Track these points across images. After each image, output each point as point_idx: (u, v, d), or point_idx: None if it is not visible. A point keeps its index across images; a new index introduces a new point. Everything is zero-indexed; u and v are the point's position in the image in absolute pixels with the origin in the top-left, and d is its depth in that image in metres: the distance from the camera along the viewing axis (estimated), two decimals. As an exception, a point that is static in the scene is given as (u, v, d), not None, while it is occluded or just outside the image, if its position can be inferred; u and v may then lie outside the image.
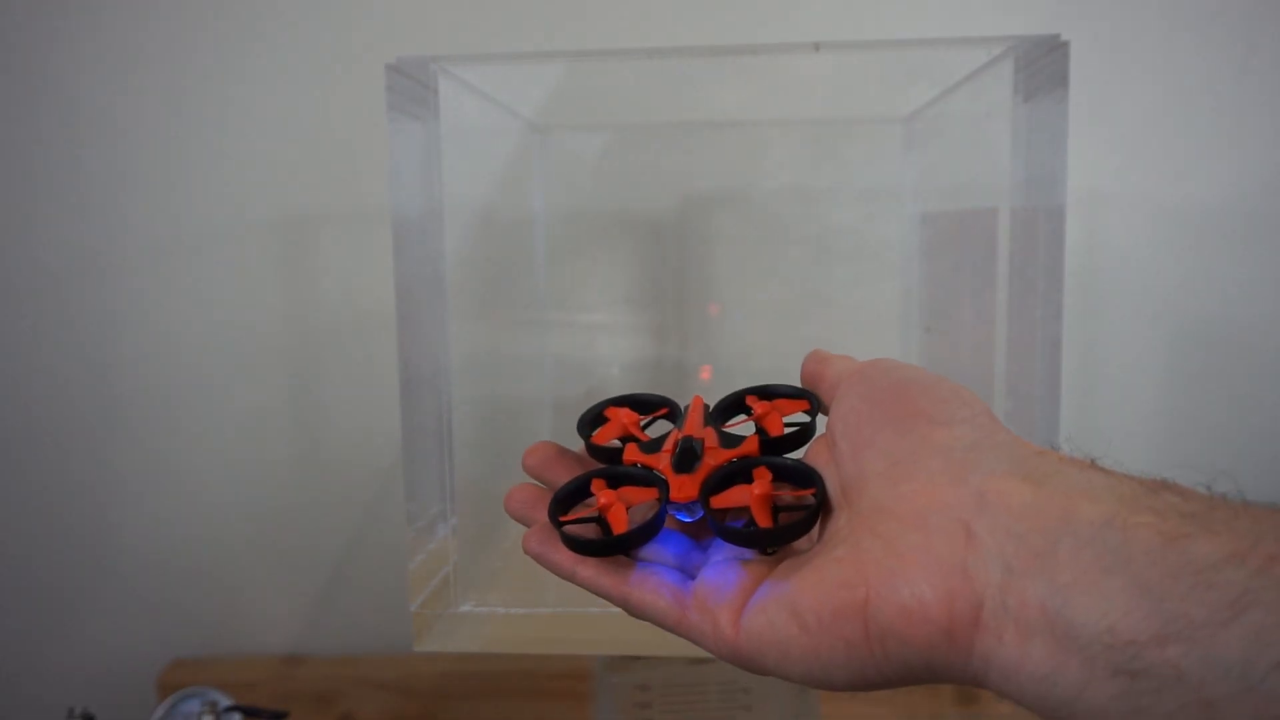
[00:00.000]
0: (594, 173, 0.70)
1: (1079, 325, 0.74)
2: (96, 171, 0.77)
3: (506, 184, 0.67)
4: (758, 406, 0.36)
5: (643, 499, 0.34)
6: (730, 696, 0.55)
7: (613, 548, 0.32)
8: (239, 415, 0.79)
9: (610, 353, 0.72)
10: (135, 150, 0.76)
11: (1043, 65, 0.43)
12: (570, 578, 0.33)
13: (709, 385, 0.70)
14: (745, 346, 0.70)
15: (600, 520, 0.33)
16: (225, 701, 0.63)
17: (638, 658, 0.54)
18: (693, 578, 0.31)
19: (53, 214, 0.77)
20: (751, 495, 0.31)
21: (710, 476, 0.33)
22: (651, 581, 0.31)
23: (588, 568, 0.32)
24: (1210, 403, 0.75)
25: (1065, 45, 0.42)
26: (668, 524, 0.34)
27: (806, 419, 0.35)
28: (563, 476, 0.36)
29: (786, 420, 0.35)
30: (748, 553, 0.32)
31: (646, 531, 0.32)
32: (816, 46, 0.47)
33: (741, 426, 0.36)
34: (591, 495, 0.34)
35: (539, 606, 0.49)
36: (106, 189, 0.77)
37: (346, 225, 0.76)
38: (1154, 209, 0.73)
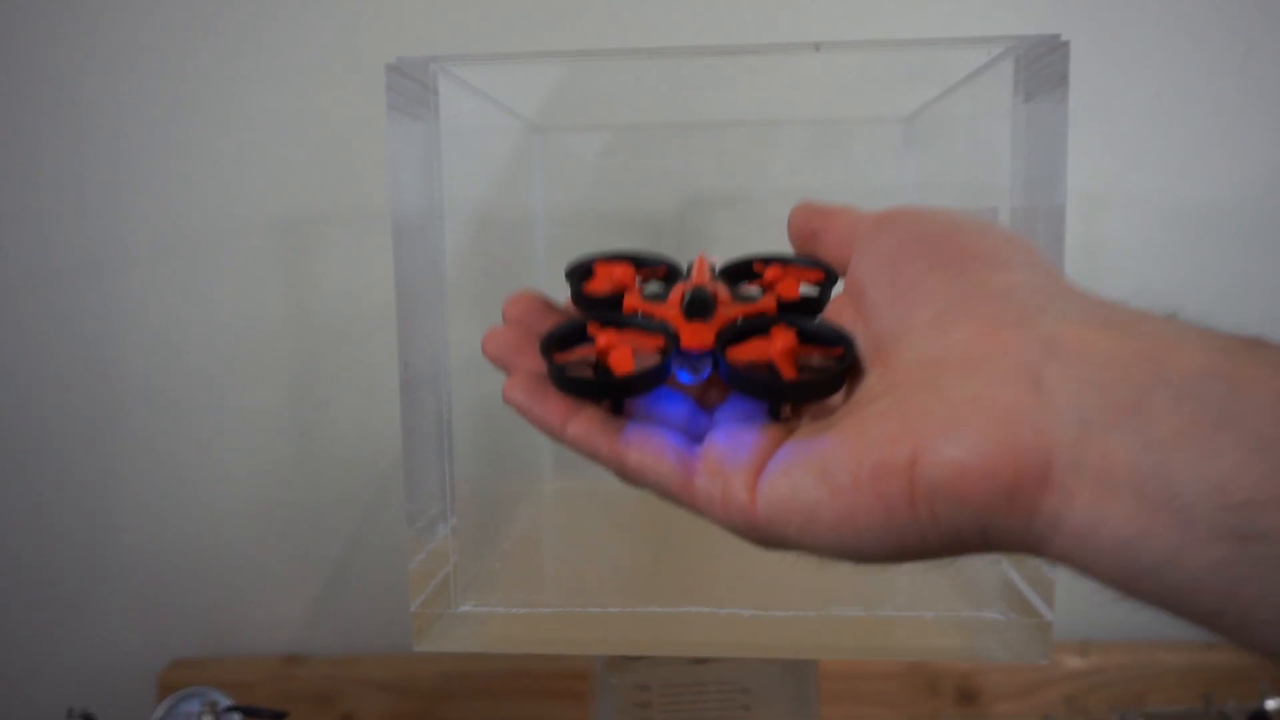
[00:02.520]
0: (594, 173, 0.70)
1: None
2: (96, 171, 0.77)
3: (506, 184, 0.67)
4: (768, 271, 0.32)
5: (648, 346, 0.29)
6: (730, 696, 0.55)
7: (614, 389, 0.28)
8: (239, 415, 0.79)
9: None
10: (135, 150, 0.76)
11: (1043, 65, 0.43)
12: (559, 433, 0.28)
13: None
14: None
15: (599, 366, 0.29)
16: (225, 701, 0.63)
17: (638, 658, 0.54)
18: (699, 442, 0.28)
19: (53, 214, 0.77)
20: (774, 348, 0.28)
21: (725, 328, 0.29)
22: (653, 441, 0.27)
23: (580, 423, 0.28)
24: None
25: (1065, 45, 0.42)
26: (667, 385, 0.29)
27: (819, 289, 0.31)
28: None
29: (801, 289, 0.31)
30: (760, 418, 0.28)
31: (654, 375, 0.28)
32: (817, 46, 0.47)
33: (751, 290, 0.32)
34: (588, 340, 0.30)
35: (539, 606, 0.49)
36: (106, 189, 0.77)
37: (346, 225, 0.76)
38: (1154, 208, 0.73)
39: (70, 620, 0.82)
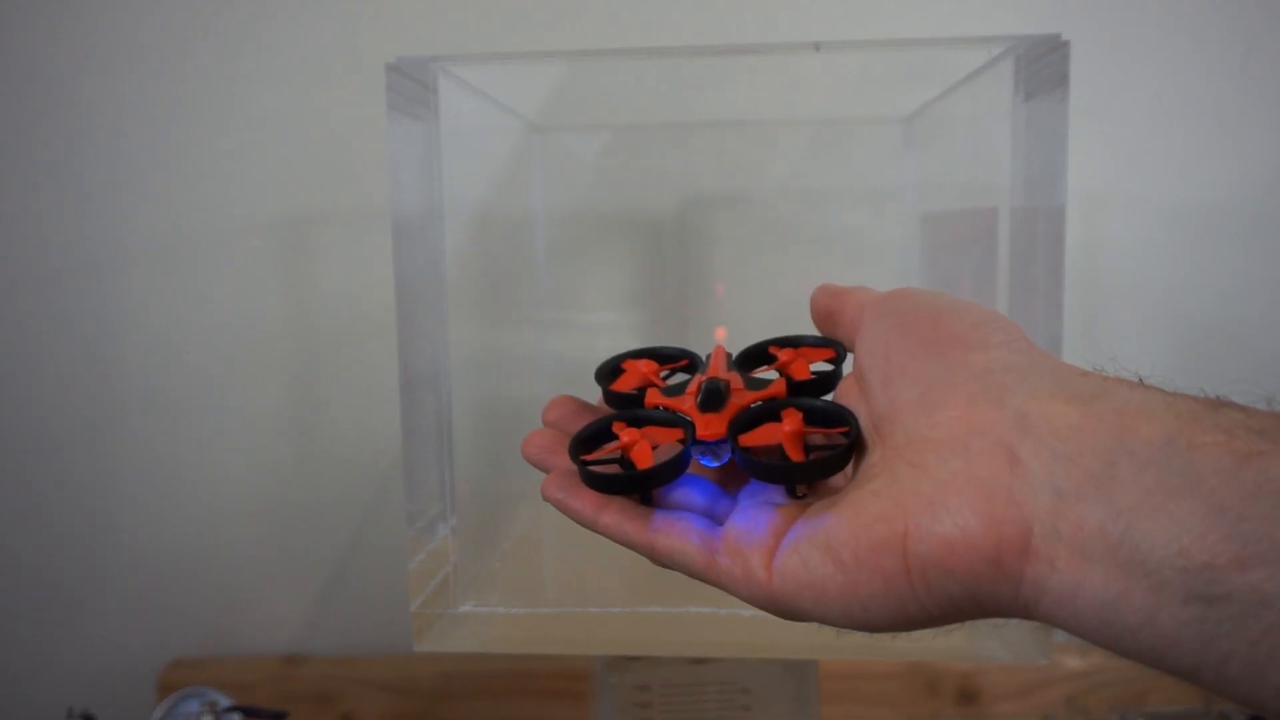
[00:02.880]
0: (594, 173, 0.70)
1: (1079, 325, 0.74)
2: (96, 171, 0.77)
3: (506, 184, 0.67)
4: (782, 354, 0.35)
5: (667, 439, 0.32)
6: (730, 696, 0.55)
7: (638, 484, 0.30)
8: (239, 415, 0.79)
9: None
10: (135, 150, 0.76)
11: (1043, 65, 0.43)
12: (592, 524, 0.31)
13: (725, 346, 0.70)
14: (743, 346, 0.70)
15: (623, 460, 0.31)
16: (225, 701, 0.63)
17: (638, 658, 0.54)
18: (720, 524, 0.30)
19: (53, 214, 0.77)
20: (782, 432, 0.30)
21: (738, 416, 0.31)
22: (678, 526, 0.29)
23: (611, 513, 0.30)
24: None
25: (1066, 45, 0.42)
26: (692, 470, 0.32)
27: (831, 368, 0.33)
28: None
29: (813, 367, 0.34)
30: (778, 497, 0.30)
31: (673, 467, 0.30)
32: (817, 46, 0.47)
33: (766, 375, 0.35)
34: (614, 437, 0.32)
35: (539, 606, 0.49)
36: (107, 189, 0.77)
37: (346, 225, 0.76)
38: (1154, 209, 0.73)
39: (70, 620, 0.82)
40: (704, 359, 0.37)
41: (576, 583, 0.55)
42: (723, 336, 0.69)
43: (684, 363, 0.37)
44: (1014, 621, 0.44)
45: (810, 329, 0.36)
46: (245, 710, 0.63)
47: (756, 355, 0.36)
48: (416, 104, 0.46)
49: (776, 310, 0.70)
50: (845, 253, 0.69)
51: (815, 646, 0.47)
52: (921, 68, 0.55)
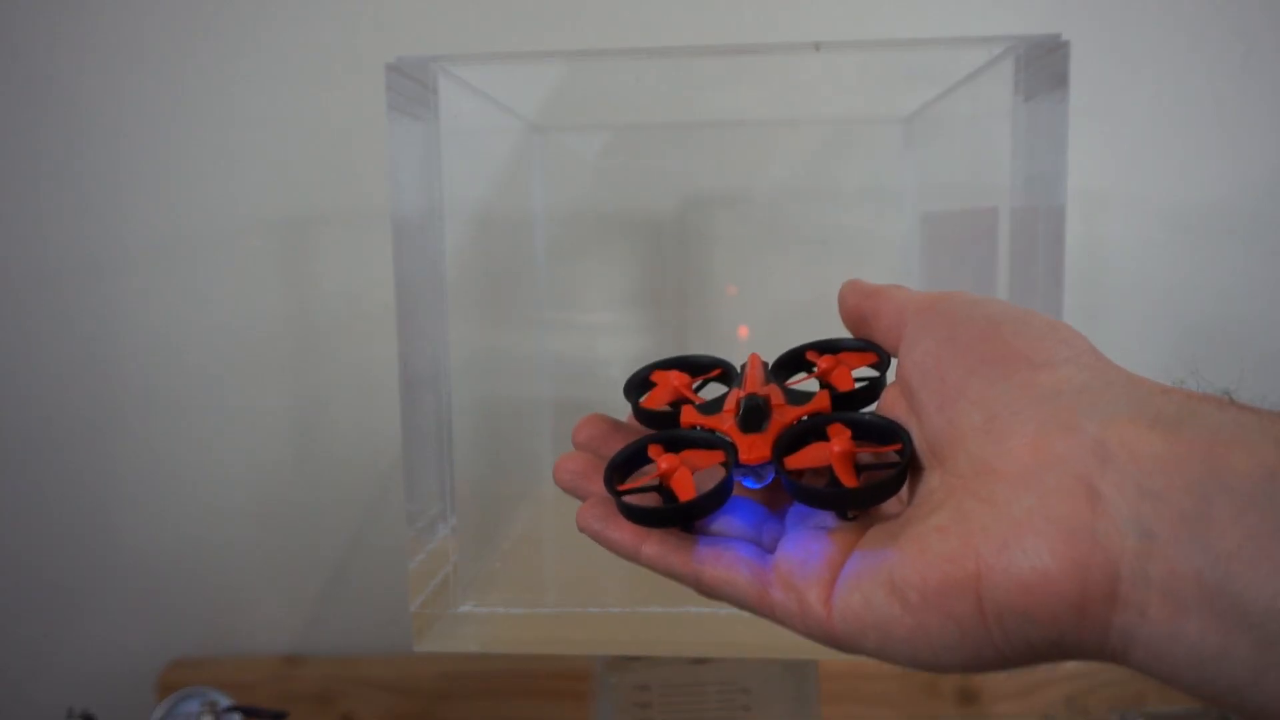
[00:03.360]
0: (594, 173, 0.70)
1: (1079, 325, 0.74)
2: (96, 171, 0.77)
3: (506, 184, 0.67)
4: (821, 361, 0.32)
5: (708, 463, 0.30)
6: (730, 697, 0.55)
7: (680, 516, 0.28)
8: (239, 415, 0.79)
9: (610, 353, 0.72)
10: (135, 150, 0.76)
11: (1043, 65, 0.43)
12: (633, 557, 0.29)
13: (748, 345, 0.69)
14: (745, 346, 0.70)
15: (662, 488, 0.29)
16: (225, 701, 0.63)
17: (638, 658, 0.54)
18: (770, 551, 0.28)
19: (52, 214, 0.77)
20: (831, 453, 0.28)
21: (781, 436, 0.29)
22: (726, 557, 0.28)
23: (652, 544, 0.29)
24: (1210, 403, 0.75)
25: (1066, 45, 0.42)
26: (735, 493, 0.30)
27: (876, 374, 0.31)
28: (618, 449, 0.32)
29: (855, 375, 0.32)
30: (828, 520, 0.28)
31: (717, 497, 0.28)
32: (817, 46, 0.47)
33: (805, 384, 0.33)
34: (650, 461, 0.30)
35: (539, 606, 0.49)
36: (106, 189, 0.77)
37: (346, 225, 0.76)
38: (1154, 208, 0.73)
39: (70, 620, 0.82)
40: (739, 369, 0.34)
41: (576, 583, 0.55)
42: (745, 336, 0.68)
43: (717, 372, 0.35)
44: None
45: (823, 328, 0.34)
46: (245, 710, 0.63)
47: (794, 362, 0.34)
48: (416, 104, 0.46)
49: (777, 310, 0.70)
50: (845, 253, 0.69)
51: (815, 647, 0.47)
52: (921, 68, 0.55)
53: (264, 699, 0.71)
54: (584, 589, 0.53)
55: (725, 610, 0.46)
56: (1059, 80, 0.43)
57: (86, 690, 0.81)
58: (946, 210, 0.60)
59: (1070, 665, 0.74)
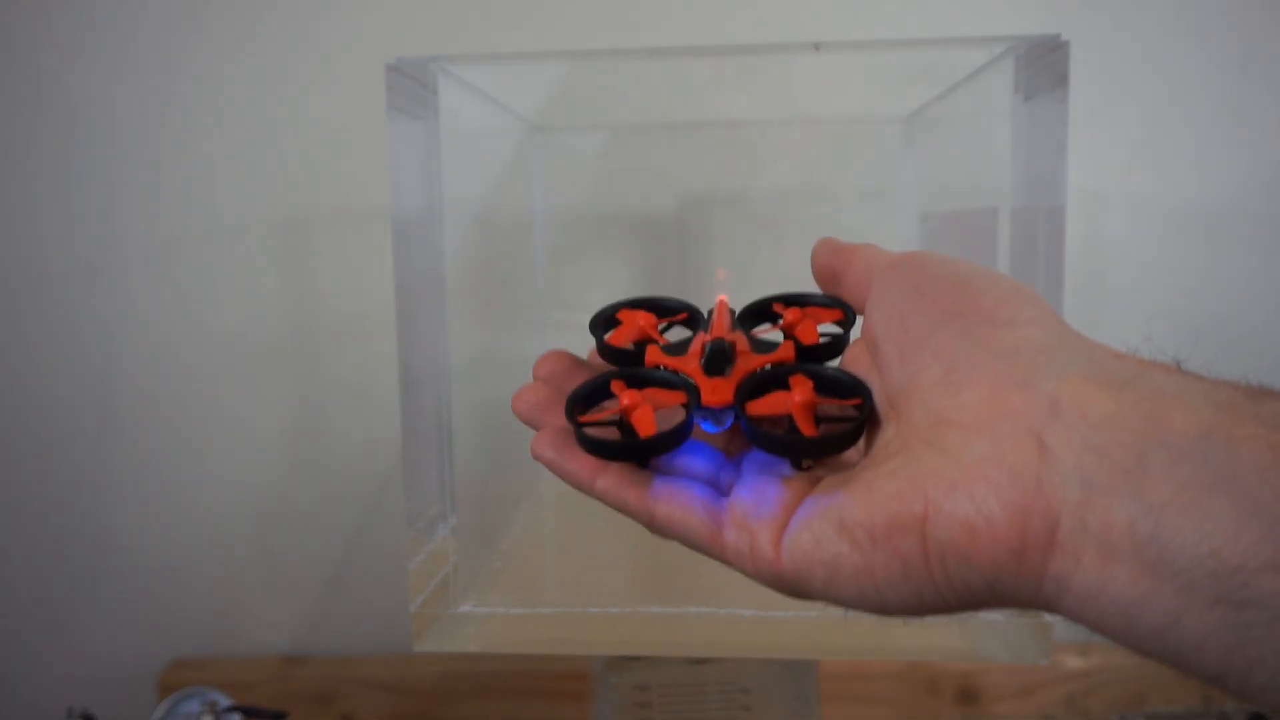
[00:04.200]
0: (594, 173, 0.70)
1: (1079, 325, 0.74)
2: (94, 172, 0.77)
3: (506, 184, 0.67)
4: (788, 314, 0.33)
5: (670, 403, 0.30)
6: (730, 697, 0.55)
7: (638, 451, 0.29)
8: (238, 415, 0.79)
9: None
10: (134, 150, 0.76)
11: (1043, 65, 0.43)
12: (588, 488, 0.29)
13: (725, 287, 0.69)
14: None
15: (623, 424, 0.29)
16: (225, 701, 0.63)
17: (638, 658, 0.54)
18: (725, 494, 0.28)
19: (50, 215, 0.77)
20: (793, 402, 0.28)
21: (744, 381, 0.30)
22: (681, 495, 0.28)
23: (608, 477, 0.29)
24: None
25: (1066, 45, 0.42)
26: (693, 435, 0.30)
27: (840, 331, 0.32)
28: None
29: (820, 329, 0.32)
30: (785, 469, 0.29)
31: (676, 435, 0.28)
32: (816, 46, 0.47)
33: (770, 334, 0.33)
34: (611, 397, 0.30)
35: (539, 606, 0.49)
36: (105, 189, 0.77)
37: (346, 225, 0.76)
38: (1155, 208, 0.73)
39: (70, 620, 0.82)
40: (705, 314, 0.35)
41: (576, 583, 0.55)
42: (723, 277, 0.68)
43: (684, 316, 0.35)
44: (1015, 621, 0.44)
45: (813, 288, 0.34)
46: (245, 710, 0.63)
47: (760, 312, 0.34)
48: (416, 104, 0.46)
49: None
50: (845, 253, 0.69)
51: (815, 646, 0.47)
52: (921, 68, 0.55)
53: (264, 699, 0.71)
54: (584, 589, 0.53)
55: (725, 610, 0.46)
56: (1059, 80, 0.43)
57: (86, 690, 0.81)
58: (946, 210, 0.60)
59: (1071, 665, 0.74)
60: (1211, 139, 0.72)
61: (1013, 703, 0.74)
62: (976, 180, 0.52)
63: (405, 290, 0.46)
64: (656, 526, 0.28)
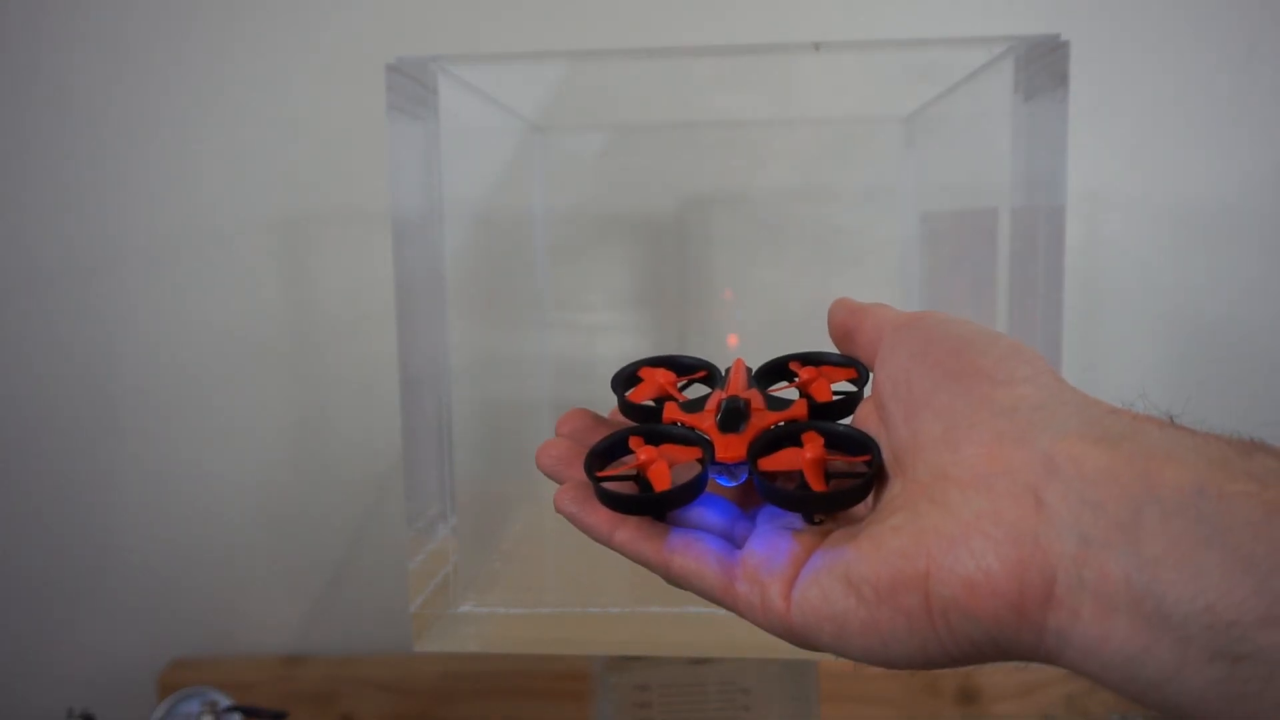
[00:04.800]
0: (594, 173, 0.70)
1: (1079, 325, 0.74)
2: (94, 172, 0.77)
3: (506, 184, 0.67)
4: (803, 372, 0.34)
5: (685, 458, 0.31)
6: (730, 697, 0.55)
7: (654, 505, 0.30)
8: (238, 415, 0.79)
9: (610, 353, 0.72)
10: (134, 150, 0.76)
11: (1043, 65, 0.43)
12: (607, 540, 0.31)
13: (737, 352, 0.70)
14: (745, 346, 0.70)
15: (640, 478, 0.30)
16: (225, 701, 0.63)
17: (638, 658, 0.54)
18: (738, 546, 0.29)
19: (50, 215, 0.77)
20: (803, 458, 0.29)
21: (758, 438, 0.31)
22: (696, 548, 0.29)
23: (626, 530, 0.30)
24: (1213, 403, 0.75)
25: (1065, 45, 0.42)
26: (709, 488, 0.31)
27: (854, 388, 0.33)
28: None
29: (834, 388, 0.33)
30: (796, 522, 0.30)
31: (690, 490, 0.30)
32: (816, 46, 0.47)
33: (785, 392, 0.34)
34: (629, 452, 0.31)
35: (539, 606, 0.49)
36: (105, 189, 0.77)
37: (346, 225, 0.76)
38: (1155, 209, 0.73)
39: (70, 620, 0.82)
40: (723, 372, 0.36)
41: (576, 583, 0.55)
42: (735, 344, 0.69)
43: (702, 374, 0.37)
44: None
45: (822, 329, 0.35)
46: (245, 710, 0.63)
47: (777, 371, 0.35)
48: (416, 104, 0.46)
49: (776, 311, 0.70)
50: (845, 253, 0.69)
51: (815, 646, 0.47)
52: (921, 68, 0.55)
53: (264, 699, 0.71)
54: (584, 589, 0.53)
55: (725, 610, 0.46)
56: (1059, 80, 0.43)
57: (86, 690, 0.81)
58: (946, 210, 0.60)
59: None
60: (1212, 139, 0.72)
61: (1013, 703, 0.74)
62: (976, 180, 0.52)
63: (405, 290, 0.46)
64: (672, 578, 0.29)
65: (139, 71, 0.76)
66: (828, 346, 0.35)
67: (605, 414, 0.36)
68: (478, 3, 0.74)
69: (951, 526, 0.24)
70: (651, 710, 0.55)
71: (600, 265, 0.72)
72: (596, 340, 0.72)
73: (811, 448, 0.29)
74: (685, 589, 0.29)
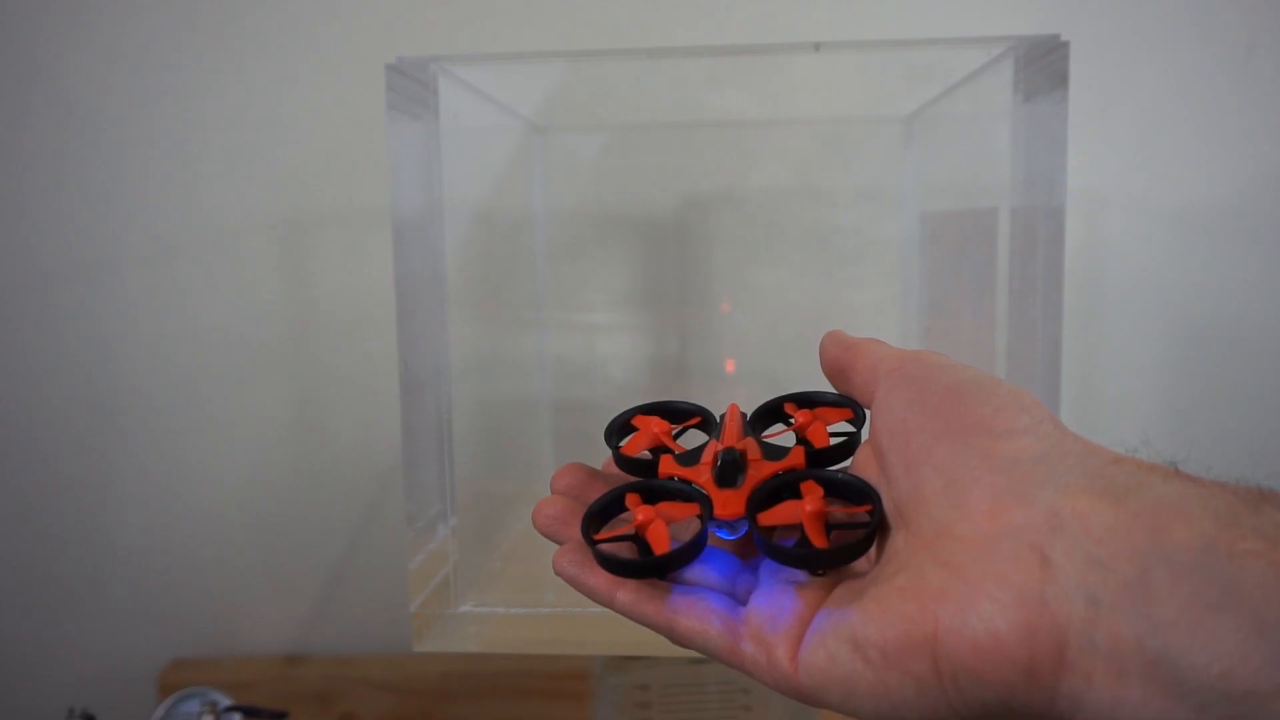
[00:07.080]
0: (594, 173, 0.70)
1: (1079, 325, 0.74)
2: (94, 172, 0.77)
3: (506, 184, 0.67)
4: (798, 415, 0.34)
5: (683, 515, 0.31)
6: (730, 697, 0.55)
7: (654, 569, 0.30)
8: (238, 415, 0.79)
9: (610, 353, 0.72)
10: (134, 151, 0.76)
11: (1043, 65, 0.43)
12: (608, 603, 0.30)
13: (733, 378, 0.70)
14: (744, 347, 0.70)
15: (638, 539, 0.30)
16: (225, 701, 0.63)
17: (638, 658, 0.55)
18: (741, 602, 0.29)
19: (50, 215, 0.77)
20: (803, 512, 0.29)
21: (756, 491, 0.30)
22: (699, 608, 0.29)
23: (627, 592, 0.30)
24: (1212, 403, 0.75)
25: (1065, 45, 0.43)
26: (710, 543, 0.31)
27: (851, 429, 0.33)
28: (596, 497, 0.33)
29: (831, 430, 0.33)
30: (799, 575, 0.29)
31: (690, 551, 0.29)
32: (816, 46, 0.47)
33: (782, 437, 0.34)
34: (626, 510, 0.32)
35: (539, 606, 0.49)
36: (104, 190, 0.77)
37: (346, 225, 0.76)
38: (1154, 209, 0.73)
39: (70, 620, 0.82)
40: (718, 418, 0.35)
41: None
42: (732, 370, 0.69)
43: (697, 420, 0.36)
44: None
45: (821, 330, 0.34)
46: (245, 710, 0.63)
47: (772, 413, 0.35)
48: (416, 104, 0.46)
49: (776, 311, 0.70)
50: (845, 253, 0.69)
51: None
52: (921, 68, 0.55)
53: (264, 699, 0.71)
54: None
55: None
56: (1059, 80, 0.43)
57: (86, 690, 0.81)
58: (946, 210, 0.60)
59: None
60: (1212, 139, 0.72)
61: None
62: (976, 180, 0.52)
63: (405, 290, 0.46)
64: (677, 639, 0.29)
65: (138, 71, 0.76)
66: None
67: (608, 415, 0.36)
68: (478, 3, 0.74)
69: (957, 588, 0.24)
70: (651, 710, 0.55)
71: (600, 265, 0.72)
72: (596, 340, 0.72)
73: (811, 499, 0.29)
74: (690, 648, 0.29)
